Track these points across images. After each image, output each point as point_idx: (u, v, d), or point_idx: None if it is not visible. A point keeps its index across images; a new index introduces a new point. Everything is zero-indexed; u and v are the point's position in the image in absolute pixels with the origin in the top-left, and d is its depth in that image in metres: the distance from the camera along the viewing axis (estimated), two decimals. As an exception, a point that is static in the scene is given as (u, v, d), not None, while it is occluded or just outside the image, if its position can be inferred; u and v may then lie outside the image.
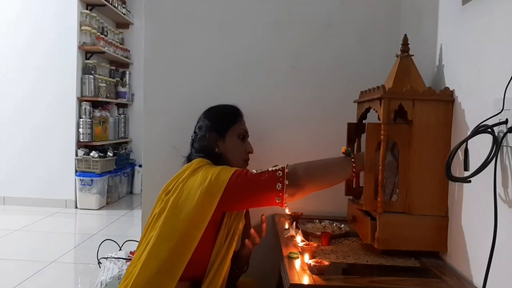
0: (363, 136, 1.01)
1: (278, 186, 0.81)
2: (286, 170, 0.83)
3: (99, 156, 3.19)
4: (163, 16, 1.31)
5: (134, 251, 0.99)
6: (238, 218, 0.89)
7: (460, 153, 0.79)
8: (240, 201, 0.85)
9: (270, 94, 1.30)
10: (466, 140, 0.74)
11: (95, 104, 3.39)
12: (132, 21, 4.01)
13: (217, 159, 0.94)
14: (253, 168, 0.90)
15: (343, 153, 0.90)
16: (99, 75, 3.46)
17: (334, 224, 1.12)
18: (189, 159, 0.98)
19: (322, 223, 1.14)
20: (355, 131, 1.12)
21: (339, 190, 1.15)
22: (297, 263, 0.83)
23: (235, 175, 0.85)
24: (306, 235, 1.03)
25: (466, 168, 0.76)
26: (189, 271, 0.81)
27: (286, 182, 0.81)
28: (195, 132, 1.01)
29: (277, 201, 0.84)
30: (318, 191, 0.89)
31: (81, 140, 3.25)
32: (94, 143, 3.30)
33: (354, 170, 0.86)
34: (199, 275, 0.83)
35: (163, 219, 0.82)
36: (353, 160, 0.87)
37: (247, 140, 1.02)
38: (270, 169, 0.85)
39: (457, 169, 0.83)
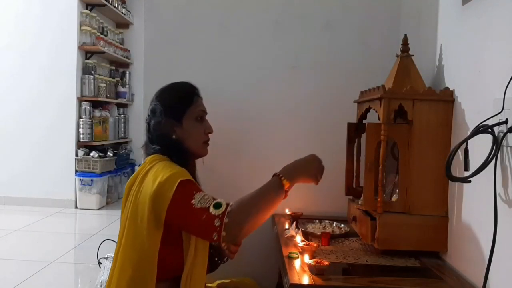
0: (363, 136, 1.01)
1: (214, 236, 0.72)
2: (225, 220, 0.72)
3: (99, 156, 3.19)
4: (163, 16, 1.31)
5: None
6: None
7: (460, 153, 0.79)
8: (180, 226, 0.79)
9: (270, 94, 1.30)
10: (466, 140, 0.74)
11: (95, 104, 3.39)
12: (132, 21, 4.01)
13: (174, 147, 0.86)
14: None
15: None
16: (99, 75, 3.46)
17: (334, 224, 1.13)
18: (146, 149, 0.90)
19: (322, 223, 1.14)
20: (355, 131, 1.12)
21: (339, 190, 1.15)
22: (297, 263, 0.83)
23: (177, 198, 0.75)
24: (306, 235, 1.03)
25: (466, 168, 0.76)
26: (167, 272, 0.78)
27: (223, 233, 0.72)
28: (148, 115, 0.91)
29: (214, 243, 0.78)
30: (261, 221, 0.79)
31: (81, 140, 3.25)
32: (94, 143, 3.30)
33: (284, 183, 0.78)
34: (178, 274, 0.80)
35: (127, 224, 0.80)
36: (279, 175, 0.79)
37: (205, 120, 0.92)
38: (211, 210, 0.74)
39: (457, 169, 0.83)
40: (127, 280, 0.78)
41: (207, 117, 0.93)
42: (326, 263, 0.79)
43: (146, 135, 0.91)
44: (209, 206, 0.74)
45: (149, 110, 0.91)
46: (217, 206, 0.74)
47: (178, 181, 0.76)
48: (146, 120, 0.91)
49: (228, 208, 0.74)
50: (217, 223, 0.72)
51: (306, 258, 0.82)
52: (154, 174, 0.79)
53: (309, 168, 0.84)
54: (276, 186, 0.78)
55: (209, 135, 0.92)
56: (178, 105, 0.89)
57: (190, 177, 0.79)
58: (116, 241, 0.85)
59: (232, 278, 1.04)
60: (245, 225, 0.74)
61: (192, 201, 0.75)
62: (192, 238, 0.79)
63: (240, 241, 0.77)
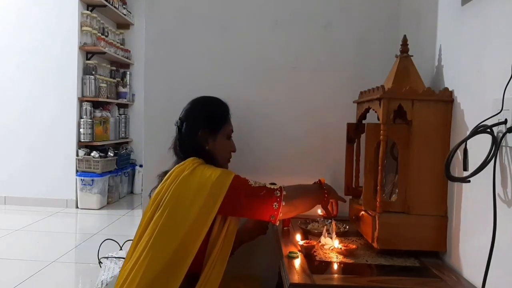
0: (363, 136, 1.02)
1: (275, 206, 0.85)
2: (283, 193, 0.87)
3: (100, 156, 3.20)
4: (163, 17, 1.31)
5: None
6: (233, 218, 0.89)
7: (459, 153, 0.79)
8: (237, 208, 0.86)
9: (271, 94, 1.30)
10: (465, 140, 0.74)
11: (96, 104, 3.40)
12: (133, 22, 4.02)
13: (205, 156, 0.93)
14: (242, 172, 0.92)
15: (320, 182, 1.02)
16: (100, 75, 3.47)
17: (334, 224, 1.12)
18: (175, 152, 0.96)
19: (322, 222, 1.14)
20: (354, 131, 1.12)
21: (339, 190, 1.15)
22: (297, 262, 0.84)
23: (236, 181, 0.87)
24: (306, 234, 1.03)
25: (465, 168, 0.76)
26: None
27: (283, 203, 0.86)
28: (181, 119, 0.97)
29: (271, 219, 0.88)
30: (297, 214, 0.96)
31: (82, 140, 3.26)
32: (95, 143, 3.31)
33: (325, 198, 0.98)
34: (197, 270, 0.83)
35: (162, 220, 0.82)
36: (325, 190, 0.98)
37: (232, 140, 1.03)
38: (268, 185, 0.88)
39: (456, 169, 0.83)
40: (152, 277, 0.79)
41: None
42: (353, 246, 0.89)
43: (176, 138, 0.98)
44: (265, 184, 0.87)
45: (184, 116, 0.97)
46: (272, 184, 0.89)
47: (234, 174, 0.87)
48: (177, 123, 0.97)
49: (282, 186, 0.88)
50: (277, 193, 0.86)
51: (336, 243, 0.90)
52: (203, 171, 0.87)
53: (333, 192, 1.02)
54: (318, 191, 0.97)
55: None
56: (218, 119, 0.97)
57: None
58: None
59: (232, 276, 1.04)
60: (297, 200, 0.89)
61: (249, 183, 0.87)
62: (223, 232, 0.85)
63: (288, 215, 0.90)
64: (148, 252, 0.80)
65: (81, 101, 3.29)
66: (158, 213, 0.84)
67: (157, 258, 0.80)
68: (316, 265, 0.83)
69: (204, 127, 0.96)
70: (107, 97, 3.49)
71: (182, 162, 0.90)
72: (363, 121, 1.09)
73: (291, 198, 0.88)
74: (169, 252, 0.80)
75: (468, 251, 0.81)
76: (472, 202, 0.81)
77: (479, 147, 0.73)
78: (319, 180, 1.01)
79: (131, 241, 0.89)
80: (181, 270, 0.79)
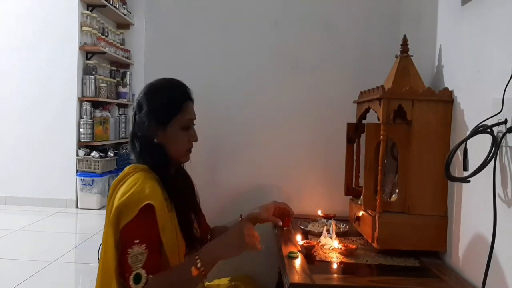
0: (363, 136, 1.02)
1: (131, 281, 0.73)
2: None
3: (100, 156, 3.20)
4: (163, 17, 1.31)
5: None
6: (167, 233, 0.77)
7: (459, 153, 0.79)
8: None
9: (271, 94, 1.30)
10: (465, 140, 0.74)
11: (96, 104, 3.40)
12: (133, 22, 4.02)
13: (154, 150, 0.83)
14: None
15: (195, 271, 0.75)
16: (100, 75, 3.47)
17: (334, 224, 1.13)
18: (131, 146, 0.86)
19: (322, 222, 1.14)
20: (354, 131, 1.12)
21: (339, 190, 1.15)
22: (297, 262, 0.84)
23: (127, 229, 0.74)
24: (306, 234, 1.03)
25: (465, 168, 0.76)
26: None
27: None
28: (133, 108, 0.87)
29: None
30: None
31: (82, 140, 3.25)
32: (94, 143, 3.31)
33: (199, 270, 0.73)
34: None
35: (104, 228, 0.79)
36: (197, 257, 0.74)
37: (192, 128, 0.87)
38: (131, 278, 0.73)
39: (456, 169, 0.83)
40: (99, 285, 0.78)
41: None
42: (353, 246, 0.89)
43: (131, 129, 0.87)
44: (133, 271, 0.73)
45: (136, 104, 0.86)
46: (137, 279, 0.73)
47: (138, 208, 0.74)
48: (133, 111, 0.87)
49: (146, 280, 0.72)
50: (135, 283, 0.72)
51: (336, 243, 0.90)
52: (126, 186, 0.78)
53: (228, 247, 0.76)
54: (191, 271, 0.73)
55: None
56: (165, 111, 0.83)
57: (155, 199, 0.76)
58: None
59: (232, 276, 1.04)
60: None
61: (128, 250, 0.74)
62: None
63: None
64: (100, 261, 0.79)
65: (81, 101, 3.29)
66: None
67: (102, 268, 0.78)
68: (316, 265, 0.83)
69: (150, 119, 0.83)
70: (107, 97, 3.48)
71: (122, 171, 0.83)
72: (363, 121, 1.09)
73: None
74: (104, 266, 0.77)
75: (468, 251, 0.81)
76: (472, 202, 0.81)
77: (479, 147, 0.73)
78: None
79: None
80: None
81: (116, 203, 0.76)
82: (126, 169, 0.83)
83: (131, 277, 0.73)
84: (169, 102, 0.84)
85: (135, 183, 0.78)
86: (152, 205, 0.75)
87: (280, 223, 0.95)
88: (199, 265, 0.72)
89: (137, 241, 0.74)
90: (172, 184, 0.83)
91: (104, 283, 0.77)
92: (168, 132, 0.84)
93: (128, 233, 0.75)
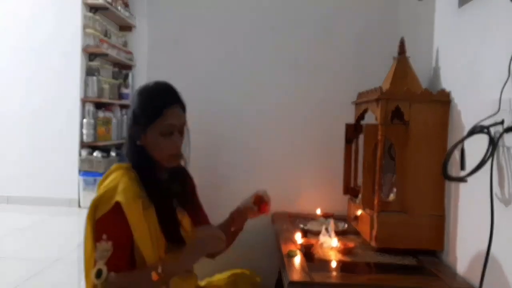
0: (361, 137, 1.03)
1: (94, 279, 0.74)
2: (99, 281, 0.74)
3: (102, 157, 3.22)
4: (166, 19, 1.33)
5: None
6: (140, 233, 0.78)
7: (456, 153, 0.80)
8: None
9: (270, 95, 1.31)
10: (462, 140, 0.75)
11: (99, 105, 3.42)
12: (135, 24, 4.05)
13: (138, 152, 0.83)
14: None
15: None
16: (103, 76, 3.49)
17: (333, 223, 1.14)
18: (125, 141, 0.89)
19: (321, 221, 1.15)
20: (353, 132, 1.13)
21: (338, 189, 1.16)
22: (296, 261, 0.85)
23: (99, 223, 0.77)
24: (305, 233, 1.04)
25: (462, 167, 0.77)
26: None
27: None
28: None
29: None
30: None
31: (85, 141, 3.28)
32: (97, 144, 3.33)
33: (159, 275, 0.73)
34: None
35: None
36: (160, 263, 0.75)
37: (175, 135, 0.83)
38: (93, 271, 0.75)
39: (453, 169, 0.84)
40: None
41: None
42: (352, 245, 0.90)
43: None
44: (96, 266, 0.75)
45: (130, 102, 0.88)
46: (98, 274, 0.75)
47: (110, 205, 0.77)
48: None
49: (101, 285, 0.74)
50: (96, 275, 0.74)
51: (335, 241, 0.91)
52: (106, 182, 0.81)
53: (188, 257, 0.76)
54: (151, 275, 0.74)
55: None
56: (145, 115, 0.82)
57: (125, 196, 0.77)
58: None
59: (231, 270, 1.05)
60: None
61: (97, 244, 0.76)
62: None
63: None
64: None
65: (84, 102, 3.31)
66: None
67: (84, 259, 0.80)
68: (315, 264, 0.84)
69: (133, 121, 0.83)
70: (110, 98, 3.51)
71: (109, 169, 0.86)
72: (361, 122, 1.10)
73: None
74: (85, 257, 0.80)
75: (465, 249, 0.82)
76: (469, 202, 0.82)
77: (476, 147, 0.74)
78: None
79: None
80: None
81: (96, 196, 0.80)
82: (112, 167, 0.86)
83: (94, 271, 0.75)
84: (148, 106, 0.83)
85: (112, 179, 0.81)
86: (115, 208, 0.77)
87: (255, 209, 0.93)
88: (159, 270, 0.72)
89: (105, 237, 0.76)
90: (153, 183, 0.83)
91: (86, 273, 0.80)
92: (148, 136, 0.83)
93: (98, 228, 0.78)
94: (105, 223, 0.78)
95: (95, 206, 0.80)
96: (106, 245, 0.76)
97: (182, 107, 0.86)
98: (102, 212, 0.78)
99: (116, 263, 0.76)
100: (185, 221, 0.88)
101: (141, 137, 0.83)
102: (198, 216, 0.95)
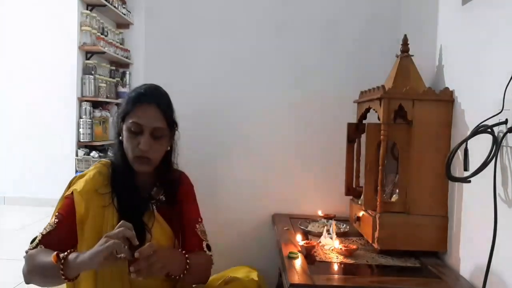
0: (363, 136, 1.02)
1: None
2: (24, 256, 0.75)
3: (100, 156, 3.20)
4: (163, 17, 1.31)
5: None
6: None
7: (460, 153, 0.79)
8: None
9: (271, 94, 1.30)
10: (466, 140, 0.74)
11: (95, 104, 3.39)
12: (132, 21, 4.01)
13: (119, 148, 0.84)
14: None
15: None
16: (99, 75, 3.46)
17: (334, 224, 1.12)
18: None
19: (322, 222, 1.14)
20: (355, 131, 1.12)
21: (339, 190, 1.15)
22: (297, 262, 0.84)
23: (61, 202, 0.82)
24: (306, 234, 1.03)
25: (465, 168, 0.76)
26: None
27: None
28: None
29: None
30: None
31: (82, 140, 3.25)
32: (94, 143, 3.30)
33: (58, 261, 0.68)
34: None
35: None
36: (67, 253, 0.69)
37: (145, 136, 0.80)
38: (31, 240, 0.78)
39: (457, 169, 0.83)
40: None
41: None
42: (354, 246, 0.89)
43: None
44: (39, 234, 0.79)
45: None
46: (32, 240, 0.79)
47: (69, 190, 0.82)
48: None
49: (26, 253, 0.76)
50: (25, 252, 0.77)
51: (336, 243, 0.90)
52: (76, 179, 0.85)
53: (87, 257, 0.68)
54: (51, 257, 0.70)
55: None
56: (122, 108, 0.83)
57: (80, 188, 0.80)
58: None
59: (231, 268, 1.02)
60: (26, 274, 0.75)
61: (52, 217, 0.81)
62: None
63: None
64: None
65: (80, 101, 3.28)
66: None
67: None
68: (316, 266, 0.83)
69: (117, 114, 0.86)
70: (107, 97, 3.48)
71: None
72: (364, 121, 1.09)
73: (24, 268, 0.75)
74: None
75: (468, 251, 0.81)
76: (472, 203, 0.81)
77: (479, 147, 0.73)
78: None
79: None
80: None
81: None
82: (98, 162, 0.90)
83: (32, 238, 0.79)
84: (126, 100, 0.85)
85: (88, 169, 0.87)
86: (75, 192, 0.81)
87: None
88: (61, 255, 0.69)
89: (57, 214, 0.81)
90: (118, 181, 0.83)
91: None
92: (123, 133, 0.83)
93: (58, 205, 0.83)
94: (64, 203, 0.82)
95: (68, 186, 0.86)
96: (53, 221, 0.80)
97: (163, 110, 0.82)
98: (65, 194, 0.84)
99: (48, 241, 0.78)
100: (157, 229, 0.83)
101: (121, 133, 0.84)
102: (179, 228, 0.87)
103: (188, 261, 0.78)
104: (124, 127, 0.82)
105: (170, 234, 0.86)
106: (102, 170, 0.85)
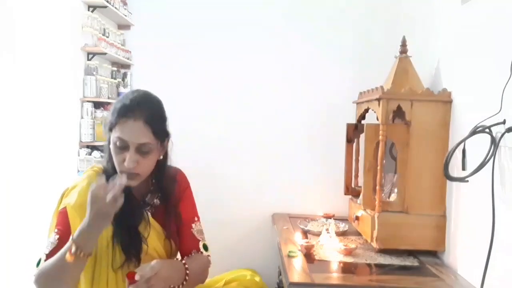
0: (362, 136, 1.02)
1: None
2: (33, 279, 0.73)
3: (101, 156, 3.21)
4: (165, 18, 1.32)
5: None
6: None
7: (458, 153, 0.79)
8: None
9: (271, 95, 1.31)
10: (464, 140, 0.75)
11: (97, 105, 3.40)
12: (133, 23, 4.03)
13: (107, 158, 0.80)
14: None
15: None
16: (101, 76, 3.47)
17: (333, 223, 1.13)
18: None
19: (321, 222, 1.14)
20: (354, 131, 1.13)
21: (338, 189, 1.16)
22: (297, 261, 0.84)
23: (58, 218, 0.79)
24: (306, 233, 1.04)
25: (464, 168, 0.77)
26: None
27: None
28: None
29: None
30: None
31: (83, 141, 3.26)
32: (96, 143, 3.31)
33: (75, 254, 0.67)
34: None
35: None
36: (71, 243, 0.68)
37: (131, 151, 0.74)
38: (38, 260, 0.76)
39: (455, 169, 0.83)
40: None
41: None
42: (353, 245, 0.90)
43: None
44: (43, 254, 0.76)
45: None
46: (38, 263, 0.76)
47: (62, 205, 0.79)
48: None
49: (35, 274, 0.73)
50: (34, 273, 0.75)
51: (336, 242, 0.91)
52: (76, 181, 0.83)
53: (90, 218, 0.68)
54: (65, 258, 0.69)
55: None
56: (108, 120, 0.79)
57: (72, 202, 0.77)
58: None
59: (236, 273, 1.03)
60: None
61: (50, 234, 0.79)
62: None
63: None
64: None
65: (82, 101, 3.30)
66: None
67: None
68: (315, 264, 0.84)
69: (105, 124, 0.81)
70: (108, 98, 3.48)
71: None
72: (363, 122, 1.09)
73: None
74: None
75: (466, 250, 0.82)
76: (470, 202, 0.81)
77: (477, 147, 0.73)
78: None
79: None
80: None
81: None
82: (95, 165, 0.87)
83: (37, 260, 0.77)
84: (112, 112, 0.80)
85: (80, 179, 0.83)
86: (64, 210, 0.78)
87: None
88: (73, 249, 0.67)
89: (56, 230, 0.77)
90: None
91: None
92: (110, 143, 0.78)
93: (56, 219, 0.80)
94: (59, 218, 0.79)
95: (61, 199, 0.82)
96: (53, 238, 0.77)
97: (149, 124, 0.76)
98: (59, 207, 0.80)
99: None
100: (154, 237, 0.81)
101: (110, 141, 0.80)
102: (175, 230, 0.85)
103: (187, 271, 0.77)
104: (111, 139, 0.77)
105: (164, 241, 0.84)
106: (94, 180, 0.79)
